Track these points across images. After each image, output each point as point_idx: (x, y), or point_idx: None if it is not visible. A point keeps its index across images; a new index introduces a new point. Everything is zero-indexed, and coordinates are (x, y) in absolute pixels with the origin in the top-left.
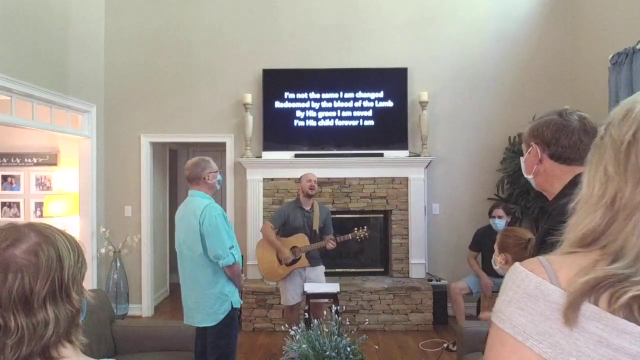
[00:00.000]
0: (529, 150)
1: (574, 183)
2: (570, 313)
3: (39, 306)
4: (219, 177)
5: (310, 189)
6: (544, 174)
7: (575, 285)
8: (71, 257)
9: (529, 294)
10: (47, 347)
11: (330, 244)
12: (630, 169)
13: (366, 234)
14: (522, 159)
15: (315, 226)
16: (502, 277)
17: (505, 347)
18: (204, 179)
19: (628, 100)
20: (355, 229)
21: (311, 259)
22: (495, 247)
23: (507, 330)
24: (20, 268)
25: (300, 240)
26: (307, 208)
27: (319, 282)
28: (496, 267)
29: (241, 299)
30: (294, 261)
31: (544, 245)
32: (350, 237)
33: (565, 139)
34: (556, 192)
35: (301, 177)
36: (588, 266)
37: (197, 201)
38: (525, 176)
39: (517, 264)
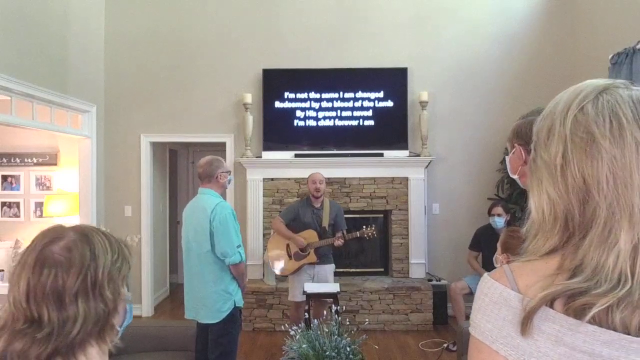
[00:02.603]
0: (513, 150)
1: None
2: (525, 325)
3: (70, 301)
4: (229, 177)
5: (316, 191)
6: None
7: (535, 300)
8: (108, 257)
9: (494, 302)
10: (73, 346)
11: (338, 241)
12: (572, 190)
13: (374, 232)
14: (507, 159)
15: (325, 223)
16: None
17: (482, 354)
18: (217, 177)
19: (545, 114)
20: (364, 227)
21: (321, 256)
22: (498, 245)
23: (478, 337)
24: (55, 263)
25: (310, 235)
26: (317, 206)
27: (325, 281)
28: (497, 265)
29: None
30: (303, 256)
31: None
32: (359, 235)
33: None
34: None
35: (308, 177)
36: (548, 276)
37: (207, 199)
38: (511, 176)
39: (485, 274)
